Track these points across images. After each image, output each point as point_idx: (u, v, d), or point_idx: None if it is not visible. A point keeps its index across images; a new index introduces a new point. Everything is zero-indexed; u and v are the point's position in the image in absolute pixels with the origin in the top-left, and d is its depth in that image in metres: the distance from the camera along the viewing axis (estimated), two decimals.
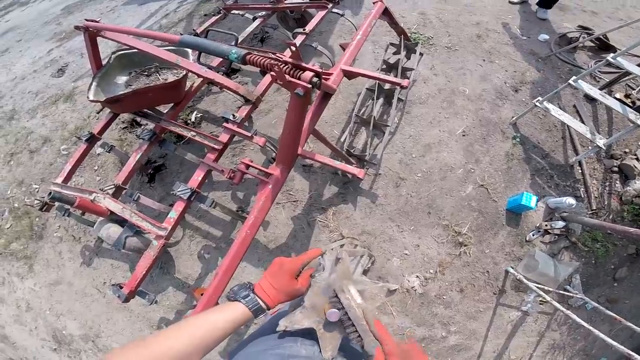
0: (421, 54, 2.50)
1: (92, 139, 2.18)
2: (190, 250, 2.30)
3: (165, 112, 2.21)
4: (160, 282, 2.26)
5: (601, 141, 1.96)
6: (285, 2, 2.67)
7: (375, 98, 2.26)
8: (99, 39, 2.08)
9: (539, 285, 1.73)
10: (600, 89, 2.29)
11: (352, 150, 2.14)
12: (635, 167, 2.11)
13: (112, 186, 2.04)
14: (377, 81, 2.18)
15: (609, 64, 2.02)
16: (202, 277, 2.22)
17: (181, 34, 2.38)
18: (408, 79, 2.29)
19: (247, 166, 1.71)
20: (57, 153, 3.00)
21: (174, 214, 1.81)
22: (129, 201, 2.12)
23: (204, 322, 0.66)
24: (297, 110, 1.45)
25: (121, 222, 1.97)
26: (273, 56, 1.39)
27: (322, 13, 2.44)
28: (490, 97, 2.54)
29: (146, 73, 2.17)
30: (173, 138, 2.55)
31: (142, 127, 2.79)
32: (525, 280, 1.76)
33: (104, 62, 2.18)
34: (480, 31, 3.02)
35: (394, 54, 2.49)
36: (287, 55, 1.47)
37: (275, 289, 0.74)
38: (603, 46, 2.87)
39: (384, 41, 2.89)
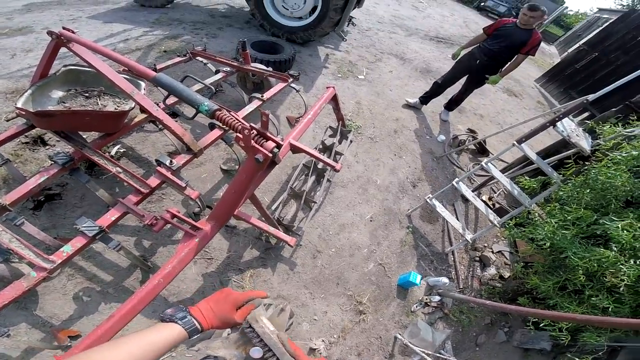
0: (351, 141, 2.90)
1: None
2: (64, 289, 1.91)
3: (88, 139, 2.03)
4: (10, 317, 1.77)
5: (469, 236, 2.54)
6: (251, 65, 2.85)
7: (308, 174, 2.54)
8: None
9: (422, 350, 2.01)
10: (474, 190, 2.94)
11: (281, 220, 2.28)
12: (490, 258, 2.78)
13: None
14: (314, 159, 2.44)
15: (482, 168, 2.55)
16: (73, 319, 1.84)
17: (155, 70, 2.37)
18: (337, 162, 2.60)
19: (174, 216, 1.65)
20: None
21: (69, 249, 1.57)
22: (7, 224, 1.73)
23: (141, 341, 0.66)
24: (249, 174, 1.57)
25: None
26: (240, 120, 1.55)
27: (281, 85, 2.71)
28: (395, 189, 3.11)
29: (87, 94, 2.02)
30: (83, 168, 2.29)
31: (49, 147, 2.43)
32: (410, 345, 2.03)
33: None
34: (398, 127, 3.68)
35: (330, 136, 2.85)
36: (239, 115, 1.64)
37: (214, 312, 0.78)
38: (481, 150, 3.64)
39: (323, 122, 3.33)
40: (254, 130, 1.53)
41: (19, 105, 1.73)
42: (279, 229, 2.09)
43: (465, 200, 3.26)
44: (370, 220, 2.79)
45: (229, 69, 2.88)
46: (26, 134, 2.31)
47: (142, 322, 1.90)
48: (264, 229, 1.93)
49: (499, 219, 2.51)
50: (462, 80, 3.86)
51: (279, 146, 1.54)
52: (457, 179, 2.66)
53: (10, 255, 1.62)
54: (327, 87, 2.57)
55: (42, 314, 1.82)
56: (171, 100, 2.27)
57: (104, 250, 2.07)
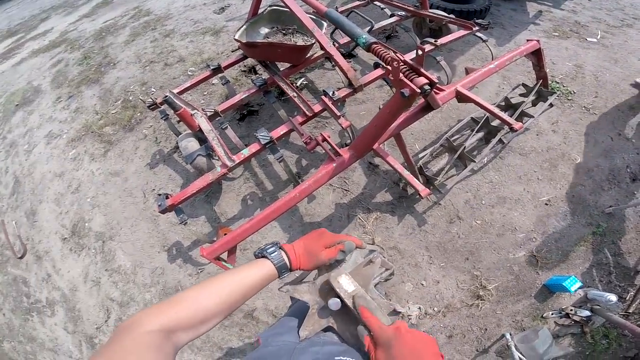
0: (551, 105, 2.37)
1: (217, 70, 2.60)
2: (238, 191, 2.54)
3: (282, 69, 2.51)
4: (198, 208, 2.50)
5: None
6: (430, 10, 2.72)
7: (475, 130, 2.26)
8: None
9: (522, 358, 1.69)
10: None
11: (425, 170, 2.18)
12: None
13: (212, 110, 2.38)
14: (487, 114, 2.11)
15: None
16: (235, 218, 2.42)
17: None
18: (523, 124, 2.15)
19: (324, 139, 1.87)
20: (183, 71, 3.60)
21: (246, 152, 2.06)
22: (217, 127, 2.45)
23: (232, 281, 0.69)
24: (394, 109, 1.55)
25: (201, 141, 2.28)
26: (394, 54, 1.54)
27: (462, 32, 2.48)
28: (601, 176, 2.35)
29: (284, 32, 2.52)
30: (276, 92, 2.89)
31: (257, 75, 3.20)
32: (513, 349, 1.72)
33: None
34: (638, 104, 2.69)
35: (521, 95, 2.40)
36: (407, 57, 1.59)
37: (305, 249, 0.78)
38: None
39: (517, 80, 2.83)
40: (405, 64, 1.49)
41: (236, 37, 2.34)
42: (418, 178, 2.03)
43: None
44: (546, 204, 2.26)
45: (404, 13, 2.81)
46: (244, 64, 3.12)
47: (277, 234, 2.31)
48: (398, 170, 1.92)
49: None
50: None
51: (431, 84, 1.43)
52: None
53: (212, 152, 2.21)
54: (527, 40, 2.15)
55: (218, 209, 2.49)
56: (343, 40, 2.45)
57: (274, 162, 2.63)
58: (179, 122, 2.60)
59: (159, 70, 3.74)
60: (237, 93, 2.55)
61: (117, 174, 2.89)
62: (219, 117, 2.43)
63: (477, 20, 2.50)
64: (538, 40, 2.15)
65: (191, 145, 2.23)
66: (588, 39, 3.37)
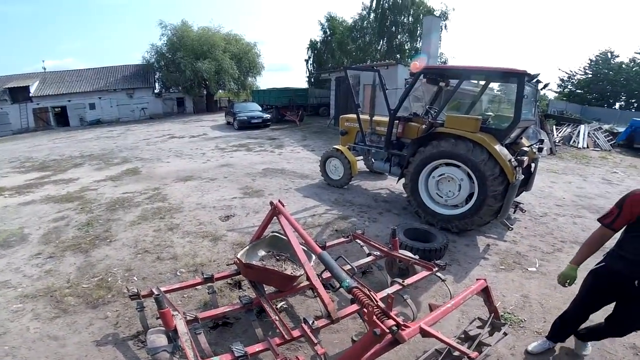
0: (505, 334, 2.66)
1: (208, 279, 2.96)
2: None
3: (267, 292, 2.87)
4: None
5: None
6: (399, 251, 3.37)
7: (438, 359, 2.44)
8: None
9: None
10: None
11: None
12: None
13: (193, 316, 2.57)
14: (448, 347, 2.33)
15: None
16: None
17: (324, 247, 3.26)
18: (481, 352, 2.40)
19: None
20: (172, 270, 3.89)
21: (216, 359, 2.12)
22: (191, 330, 2.48)
23: None
24: (366, 344, 1.85)
25: (170, 338, 2.33)
26: (369, 298, 1.98)
27: (425, 273, 3.01)
28: None
29: (277, 258, 3.08)
30: (256, 310, 3.11)
31: (242, 291, 3.51)
32: None
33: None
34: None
35: (478, 327, 2.73)
36: (380, 295, 2.00)
37: None
38: None
39: (474, 313, 3.20)
40: (378, 308, 1.93)
41: (238, 256, 2.84)
42: None
43: None
44: None
45: (379, 253, 3.51)
46: (233, 278, 3.49)
47: None
48: None
49: None
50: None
51: (398, 325, 1.81)
52: None
53: (179, 350, 2.27)
54: (477, 279, 2.71)
55: None
56: (327, 274, 2.93)
57: None
58: (157, 318, 2.67)
59: (149, 262, 4.00)
60: (218, 303, 2.79)
61: (55, 338, 2.76)
62: (196, 323, 2.57)
63: (436, 262, 3.11)
64: (485, 280, 2.64)
65: (159, 340, 2.30)
66: (529, 269, 4.08)
